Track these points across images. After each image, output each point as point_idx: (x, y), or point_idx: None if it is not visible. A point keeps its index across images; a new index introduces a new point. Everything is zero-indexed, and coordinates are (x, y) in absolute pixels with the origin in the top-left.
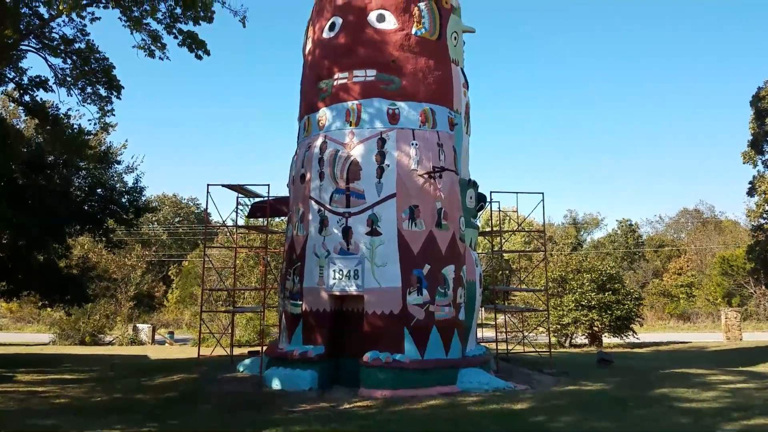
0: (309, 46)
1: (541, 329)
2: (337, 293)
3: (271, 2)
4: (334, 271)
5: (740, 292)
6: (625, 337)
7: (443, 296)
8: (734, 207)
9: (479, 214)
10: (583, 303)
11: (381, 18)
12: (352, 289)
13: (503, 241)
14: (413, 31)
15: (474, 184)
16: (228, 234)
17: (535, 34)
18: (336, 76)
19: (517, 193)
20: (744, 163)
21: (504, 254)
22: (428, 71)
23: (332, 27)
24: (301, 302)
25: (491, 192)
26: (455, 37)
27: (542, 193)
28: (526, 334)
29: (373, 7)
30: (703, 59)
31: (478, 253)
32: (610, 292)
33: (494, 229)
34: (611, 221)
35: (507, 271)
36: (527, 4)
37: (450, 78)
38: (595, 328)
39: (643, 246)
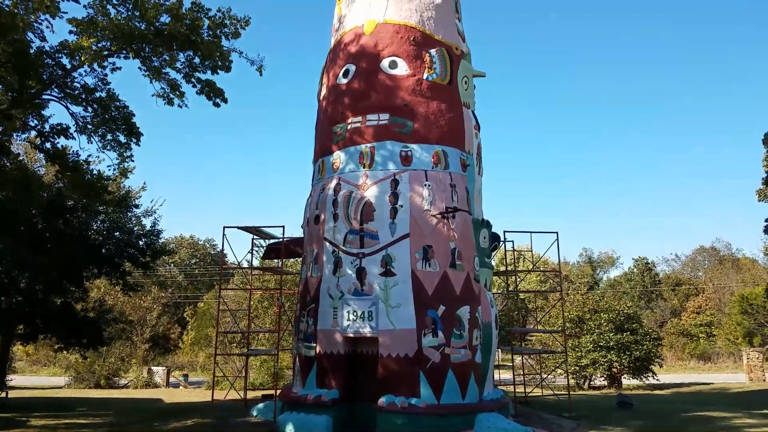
0: (324, 92)
1: (559, 371)
2: (352, 335)
3: (287, 51)
4: (348, 312)
5: (761, 332)
6: (645, 379)
7: (459, 338)
8: (751, 244)
9: (493, 253)
10: (602, 344)
11: (393, 64)
12: (366, 331)
13: (518, 280)
14: (425, 76)
15: (487, 224)
16: (243, 275)
17: (546, 76)
18: (350, 120)
19: (531, 232)
20: (759, 201)
21: (520, 294)
22: (440, 114)
23: (346, 74)
24: (315, 344)
25: (505, 231)
26: (466, 82)
27: (556, 233)
28: (544, 376)
29: (385, 55)
30: (719, 97)
31: (494, 293)
32: (629, 333)
33: (509, 268)
34: (627, 259)
35: (523, 311)
36: (539, 48)
37: (461, 120)
38: (614, 370)
39: (660, 285)
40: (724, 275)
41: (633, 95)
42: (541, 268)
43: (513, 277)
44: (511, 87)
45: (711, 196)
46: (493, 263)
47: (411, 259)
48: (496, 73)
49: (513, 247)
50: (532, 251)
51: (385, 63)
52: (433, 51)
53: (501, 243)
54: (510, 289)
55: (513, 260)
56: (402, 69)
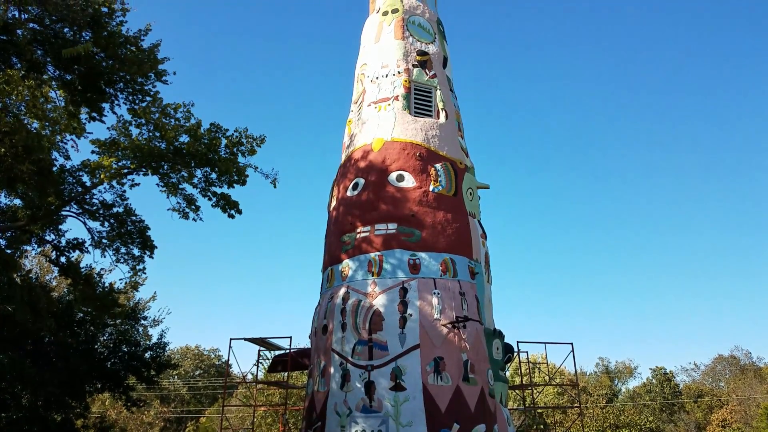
0: (334, 203)
1: None
2: None
3: (297, 165)
4: None
5: None
6: None
7: None
8: None
9: (507, 365)
10: None
11: (401, 178)
12: None
13: (536, 394)
14: (431, 188)
15: (500, 334)
16: (247, 388)
17: (556, 185)
18: (359, 230)
19: (545, 343)
20: None
21: (537, 409)
22: (446, 224)
23: (355, 186)
24: None
25: (518, 342)
26: (471, 193)
27: (571, 344)
28: None
29: (393, 169)
30: (729, 201)
31: (510, 409)
32: None
33: (524, 381)
34: (644, 369)
35: (541, 426)
36: (540, 159)
37: (468, 229)
38: None
39: (681, 396)
40: (747, 385)
41: (643, 202)
42: (558, 380)
43: (529, 389)
44: (522, 194)
45: (727, 301)
46: (508, 375)
47: (422, 372)
48: (503, 183)
49: (527, 358)
50: (547, 362)
51: (392, 176)
52: (438, 165)
53: (515, 354)
54: (527, 403)
55: (528, 372)
56: (409, 182)
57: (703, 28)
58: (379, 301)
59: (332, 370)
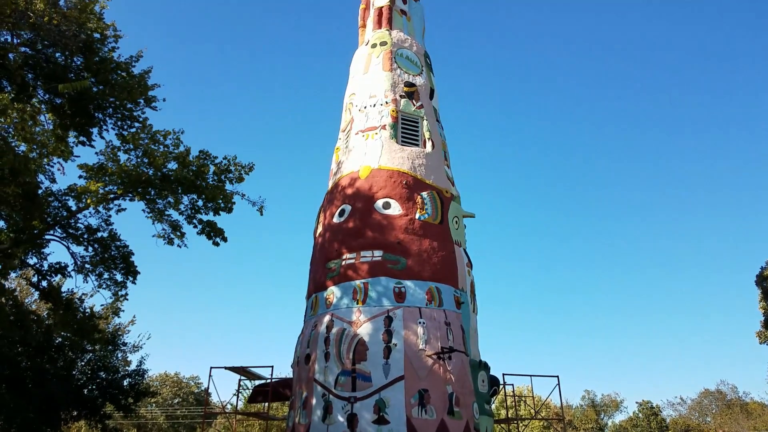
0: (320, 229)
1: None
2: None
3: (283, 191)
4: None
5: None
6: None
7: None
8: (758, 387)
9: (493, 398)
10: None
11: (387, 205)
12: None
13: (521, 427)
14: (417, 216)
15: (485, 366)
16: (227, 418)
17: (542, 215)
18: (345, 257)
19: (531, 375)
20: (761, 343)
21: None
22: (432, 252)
23: (342, 213)
24: None
25: (504, 374)
26: (456, 221)
27: (557, 377)
28: None
29: (379, 196)
30: (710, 236)
31: None
32: None
33: (510, 415)
34: (631, 402)
35: None
36: (527, 189)
37: (454, 258)
38: None
39: (667, 430)
40: (734, 421)
41: (633, 235)
42: (544, 414)
43: (515, 423)
44: (507, 223)
45: (712, 335)
46: (493, 408)
47: (406, 405)
48: (488, 212)
49: (513, 391)
50: (533, 396)
51: (379, 204)
52: (424, 193)
53: (501, 387)
54: None
55: (514, 405)
56: (395, 209)
57: (686, 73)
58: (364, 330)
59: (314, 401)
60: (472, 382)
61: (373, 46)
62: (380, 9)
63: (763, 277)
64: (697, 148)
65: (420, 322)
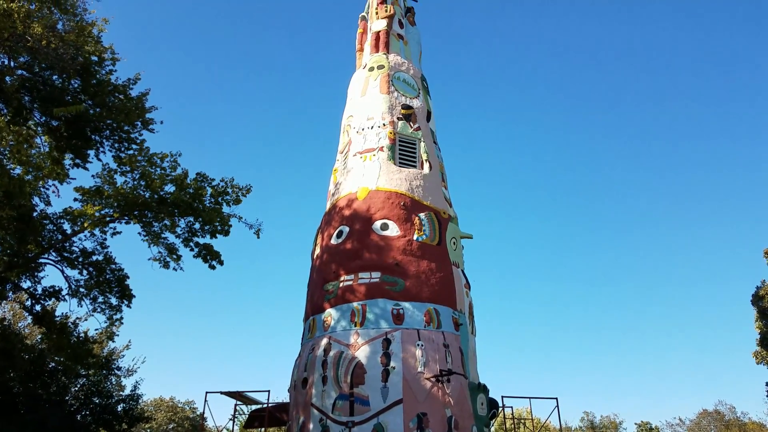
0: (317, 251)
1: None
2: None
3: (280, 213)
4: None
5: None
6: None
7: None
8: (756, 406)
9: (492, 422)
10: None
11: (385, 226)
12: None
13: None
14: (415, 237)
15: (484, 389)
16: None
17: (540, 236)
18: (342, 278)
19: (530, 398)
20: (758, 363)
21: None
22: (430, 273)
23: (340, 234)
24: None
25: (503, 397)
26: (454, 242)
27: (556, 399)
28: None
29: (377, 218)
30: (708, 254)
31: None
32: None
33: None
34: (629, 424)
35: None
36: (524, 210)
37: (452, 279)
38: None
39: None
40: None
41: (629, 255)
42: None
43: None
44: (506, 245)
45: (709, 356)
46: (492, 431)
47: (404, 429)
48: (486, 233)
49: (512, 414)
50: (532, 418)
51: (377, 225)
52: (422, 215)
53: (500, 409)
54: None
55: (513, 427)
56: (393, 230)
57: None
58: (362, 353)
59: (311, 426)
60: (471, 405)
61: (371, 69)
62: (378, 33)
63: (759, 297)
64: (690, 168)
65: (418, 345)
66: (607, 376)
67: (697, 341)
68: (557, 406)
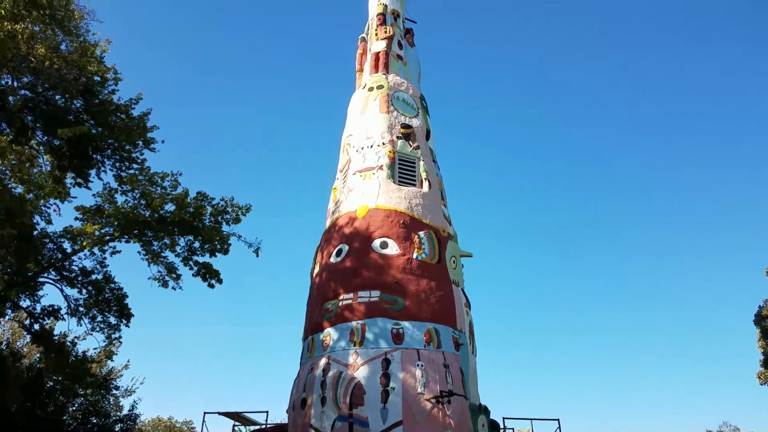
0: (317, 269)
1: None
2: None
3: (279, 231)
4: None
5: None
6: None
7: None
8: (760, 427)
9: None
10: None
11: (384, 245)
12: None
13: None
14: (414, 256)
15: (485, 410)
16: None
17: (540, 255)
18: (341, 297)
19: (532, 419)
20: (761, 384)
21: None
22: (430, 292)
23: (339, 253)
24: None
25: (504, 418)
26: (454, 261)
27: (558, 420)
28: None
29: (377, 236)
30: (708, 279)
31: None
32: None
33: None
34: None
35: None
36: (525, 228)
37: (452, 297)
38: None
39: None
40: None
41: (631, 276)
42: None
43: None
44: (506, 263)
45: (713, 377)
46: None
47: None
48: (486, 251)
49: None
50: None
51: (376, 243)
52: (421, 233)
53: (501, 431)
54: None
55: None
56: (392, 249)
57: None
58: (361, 373)
59: None
60: (472, 427)
61: (371, 89)
62: (377, 54)
63: (762, 317)
64: (692, 194)
65: (418, 365)
66: (610, 396)
67: (700, 361)
68: (559, 427)
